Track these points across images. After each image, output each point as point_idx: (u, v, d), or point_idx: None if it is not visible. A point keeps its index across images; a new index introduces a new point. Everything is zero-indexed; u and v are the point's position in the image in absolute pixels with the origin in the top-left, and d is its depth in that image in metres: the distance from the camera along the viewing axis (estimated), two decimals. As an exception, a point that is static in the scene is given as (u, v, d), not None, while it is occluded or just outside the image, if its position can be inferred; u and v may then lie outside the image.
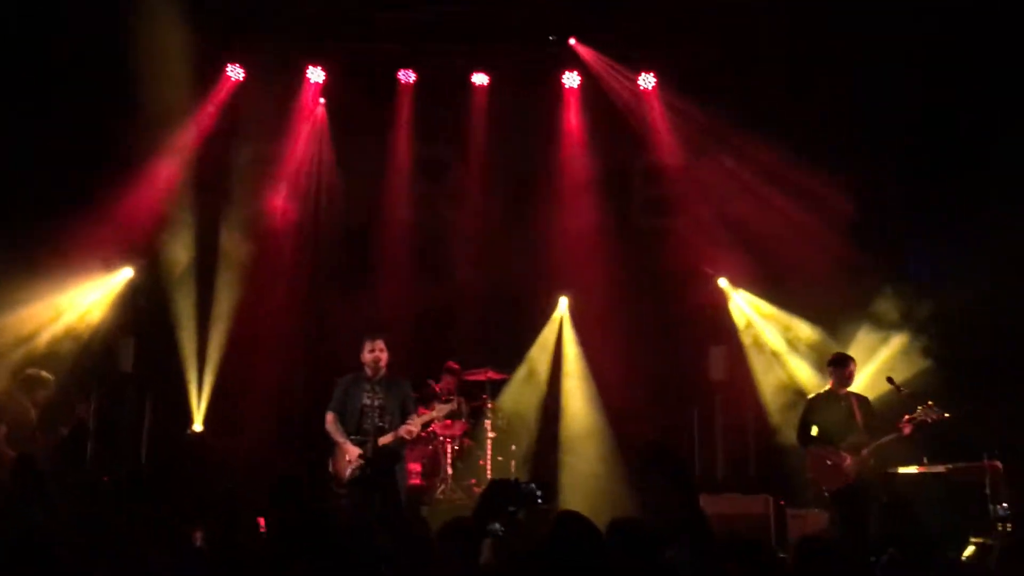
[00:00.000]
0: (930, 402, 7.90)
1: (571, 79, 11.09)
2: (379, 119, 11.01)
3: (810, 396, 8.61)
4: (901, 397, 8.06)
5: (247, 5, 10.07)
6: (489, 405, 9.98)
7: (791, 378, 10.31)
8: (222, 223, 10.56)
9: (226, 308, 10.42)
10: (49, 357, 9.20)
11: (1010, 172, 9.23)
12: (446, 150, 11.30)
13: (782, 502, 9.04)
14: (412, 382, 8.10)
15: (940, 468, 8.23)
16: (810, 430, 8.25)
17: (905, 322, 9.70)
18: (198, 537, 4.57)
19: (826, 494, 8.05)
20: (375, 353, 7.65)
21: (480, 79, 11.10)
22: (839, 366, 8.28)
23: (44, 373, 8.24)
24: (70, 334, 9.66)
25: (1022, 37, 9.07)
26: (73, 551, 3.86)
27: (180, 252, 10.30)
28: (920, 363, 9.40)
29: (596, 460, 10.29)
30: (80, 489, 7.73)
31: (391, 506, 7.09)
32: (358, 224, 11.18)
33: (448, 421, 9.66)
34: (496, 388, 10.16)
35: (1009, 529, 7.60)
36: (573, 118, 11.15)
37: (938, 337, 9.51)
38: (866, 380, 9.07)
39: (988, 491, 7.72)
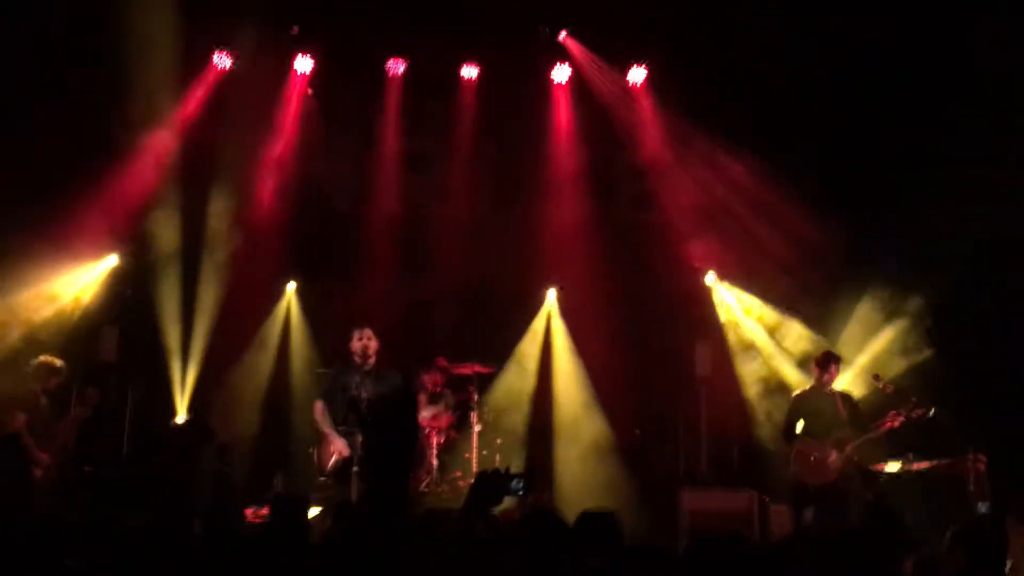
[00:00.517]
0: (914, 398, 7.98)
1: (560, 73, 11.08)
2: (367, 110, 10.97)
3: (795, 392, 8.67)
4: (886, 393, 8.13)
5: (235, -8, 10.01)
6: (475, 398, 9.95)
7: (775, 374, 10.37)
8: (208, 212, 10.47)
9: (211, 297, 10.36)
10: (32, 345, 9.09)
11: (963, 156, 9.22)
12: (433, 142, 11.27)
13: (766, 498, 9.07)
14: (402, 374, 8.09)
15: (924, 464, 8.28)
16: (795, 426, 8.30)
17: (892, 316, 9.76)
18: (196, 525, 4.52)
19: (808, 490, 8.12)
20: (363, 342, 7.65)
21: (469, 72, 11.07)
22: (824, 364, 8.35)
23: (57, 360, 8.14)
24: (53, 322, 9.55)
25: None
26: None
27: (165, 240, 10.22)
28: (909, 357, 9.47)
29: (589, 450, 10.29)
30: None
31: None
32: (344, 215, 11.14)
33: (434, 413, 9.67)
34: (483, 381, 10.14)
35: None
36: (562, 112, 11.15)
37: (926, 331, 9.57)
38: (853, 376, 9.14)
39: (971, 488, 7.79)
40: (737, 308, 10.82)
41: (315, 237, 10.95)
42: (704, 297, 10.82)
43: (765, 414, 10.08)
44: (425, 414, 8.07)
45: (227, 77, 10.59)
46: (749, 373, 10.53)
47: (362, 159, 11.06)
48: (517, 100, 11.03)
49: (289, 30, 10.59)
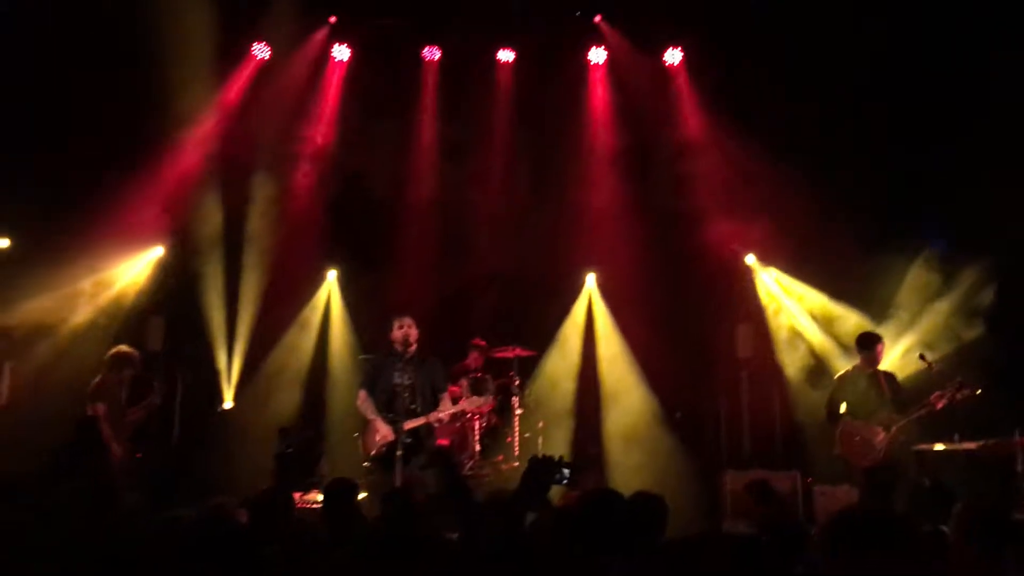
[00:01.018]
0: (960, 379, 7.88)
1: (597, 55, 11.04)
2: (404, 97, 11.00)
3: (838, 374, 8.60)
4: (933, 373, 8.04)
5: (272, -17, 10.08)
6: (516, 382, 10.00)
7: (816, 355, 10.31)
8: (249, 202, 10.58)
9: (253, 286, 10.50)
10: (83, 338, 9.30)
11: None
12: (470, 128, 11.26)
13: (809, 479, 9.04)
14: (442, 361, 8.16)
15: (971, 445, 8.20)
16: (839, 407, 8.24)
17: (941, 294, 9.66)
18: (242, 515, 4.61)
19: (855, 471, 8.08)
20: (404, 330, 7.68)
21: (505, 56, 11.06)
22: (868, 345, 8.25)
23: (133, 350, 8.32)
24: (102, 314, 9.74)
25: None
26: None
27: (208, 231, 10.35)
28: (958, 337, 9.37)
29: (633, 432, 10.31)
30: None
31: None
32: (383, 203, 11.20)
33: (475, 398, 9.72)
34: (523, 365, 10.18)
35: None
36: (598, 95, 11.11)
37: (976, 309, 9.46)
38: (898, 356, 9.06)
39: (1020, 468, 7.70)
40: (777, 289, 10.76)
41: (354, 225, 11.02)
42: (744, 279, 10.76)
43: (807, 395, 10.02)
44: (465, 405, 8.11)
45: (266, 67, 10.67)
46: (790, 354, 10.47)
47: (400, 146, 11.09)
48: (553, 83, 11.00)
49: (326, 20, 10.64)
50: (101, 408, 7.77)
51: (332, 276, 11.13)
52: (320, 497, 8.21)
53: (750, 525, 7.90)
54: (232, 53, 10.47)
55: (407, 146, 11.09)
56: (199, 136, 10.27)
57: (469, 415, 9.64)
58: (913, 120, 9.64)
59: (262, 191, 10.62)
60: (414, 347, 7.72)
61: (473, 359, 9.96)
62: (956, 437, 8.33)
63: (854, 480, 8.21)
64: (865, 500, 7.96)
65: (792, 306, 10.64)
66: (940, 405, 7.79)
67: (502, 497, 4.30)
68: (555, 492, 4.10)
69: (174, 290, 10.35)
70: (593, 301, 11.18)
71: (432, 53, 11.02)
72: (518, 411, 9.94)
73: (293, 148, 10.78)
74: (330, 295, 11.13)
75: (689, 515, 7.60)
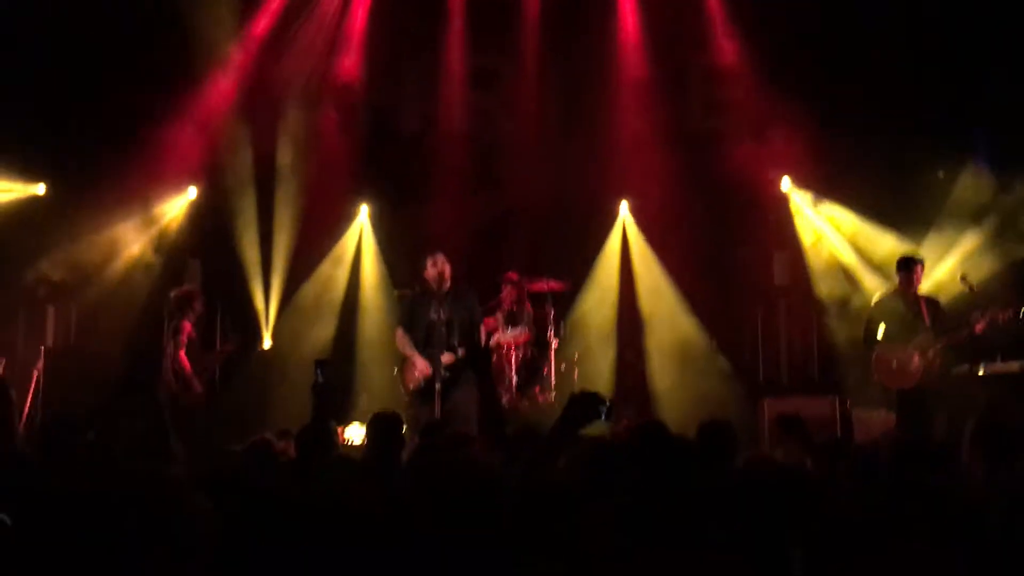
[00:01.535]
0: (1002, 301, 7.77)
1: (626, -22, 10.78)
2: (431, 29, 10.84)
3: (875, 297, 8.52)
4: (975, 296, 7.93)
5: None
6: (552, 314, 10.02)
7: (855, 280, 10.20)
8: (278, 140, 10.57)
9: (286, 226, 10.54)
10: (124, 283, 9.45)
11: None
12: (500, 58, 11.08)
13: (848, 403, 9.02)
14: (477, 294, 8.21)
15: (1014, 366, 8.11)
16: (876, 331, 8.16)
17: (985, 212, 9.48)
18: (289, 448, 4.71)
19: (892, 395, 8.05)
20: (438, 267, 7.75)
21: (533, -18, 10.84)
22: (907, 267, 8.13)
23: (190, 286, 8.56)
24: (141, 259, 9.87)
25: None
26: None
27: (240, 170, 10.38)
28: (1001, 257, 9.21)
29: (682, 361, 10.32)
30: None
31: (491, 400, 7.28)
32: (413, 137, 11.14)
33: (511, 329, 9.80)
34: (557, 297, 10.19)
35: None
36: (628, 19, 10.86)
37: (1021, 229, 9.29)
38: (940, 278, 8.94)
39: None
40: (813, 214, 10.61)
41: (385, 159, 10.98)
42: (781, 205, 10.61)
43: (844, 320, 9.94)
44: (504, 336, 8.21)
45: (290, 4, 10.56)
46: (827, 280, 10.37)
47: (428, 79, 10.97)
48: (583, 8, 10.78)
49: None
50: (182, 346, 7.95)
51: (364, 212, 11.12)
52: (360, 431, 8.37)
53: (789, 453, 7.95)
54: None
55: (435, 79, 10.95)
56: (228, 74, 10.22)
57: (505, 348, 9.72)
58: (957, 35, 9.35)
59: (292, 128, 10.57)
60: (448, 283, 7.78)
61: (507, 293, 9.96)
62: (999, 358, 8.23)
63: (892, 404, 8.19)
64: (902, 424, 7.96)
65: (829, 231, 10.50)
66: (980, 327, 7.69)
67: (532, 432, 4.35)
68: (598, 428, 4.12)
69: (209, 231, 10.43)
70: (628, 230, 11.09)
71: (459, -16, 10.82)
72: (554, 343, 9.97)
73: (322, 83, 10.68)
74: (362, 231, 11.13)
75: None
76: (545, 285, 10.09)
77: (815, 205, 10.56)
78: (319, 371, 6.66)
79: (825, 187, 10.39)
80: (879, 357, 8.09)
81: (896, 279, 8.25)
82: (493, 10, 10.83)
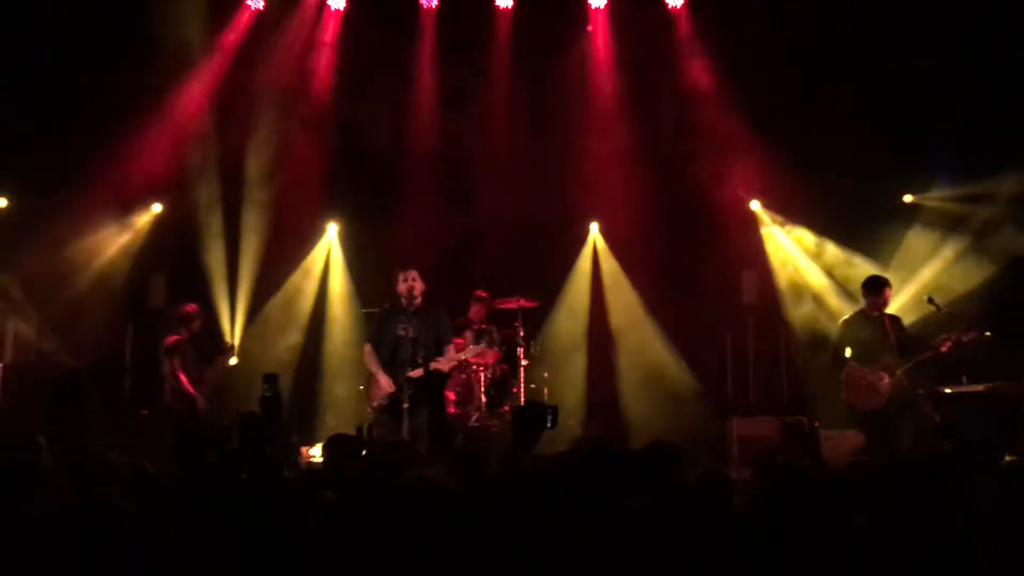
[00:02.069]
0: (967, 322, 7.83)
1: (597, -1, 10.85)
2: (401, 46, 10.82)
3: (843, 318, 8.56)
4: (941, 316, 7.99)
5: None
6: (521, 333, 9.98)
7: (822, 301, 10.26)
8: (246, 155, 10.48)
9: (254, 242, 10.43)
10: (88, 299, 9.32)
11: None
12: (470, 76, 11.08)
13: (816, 423, 9.03)
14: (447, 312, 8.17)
15: (979, 387, 8.17)
16: (844, 351, 8.20)
17: (948, 236, 9.61)
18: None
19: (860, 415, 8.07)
20: (408, 283, 7.75)
21: (504, 2, 10.86)
22: (875, 288, 8.18)
23: (192, 304, 8.69)
24: (103, 274, 9.73)
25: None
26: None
27: (207, 186, 10.27)
28: (967, 278, 9.31)
29: (651, 380, 10.32)
30: None
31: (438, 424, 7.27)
32: (382, 153, 11.09)
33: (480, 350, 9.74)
34: (528, 316, 10.15)
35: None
36: (600, 40, 10.92)
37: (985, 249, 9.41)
38: (907, 299, 9.02)
39: (1028, 409, 7.69)
40: (781, 235, 10.68)
41: (354, 176, 10.91)
42: (750, 225, 10.67)
43: (813, 341, 9.99)
44: (465, 354, 8.20)
45: (260, 18, 10.51)
46: (794, 299, 10.43)
47: (398, 96, 10.95)
48: (554, 28, 10.82)
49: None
50: (178, 363, 8.20)
51: (332, 229, 11.03)
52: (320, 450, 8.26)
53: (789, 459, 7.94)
54: (225, 4, 10.30)
55: (406, 96, 10.93)
56: (197, 87, 10.14)
57: (475, 367, 9.66)
58: (920, 56, 9.48)
59: (261, 143, 10.48)
60: (419, 300, 7.76)
61: (476, 311, 9.91)
62: (964, 379, 8.30)
63: (860, 425, 8.21)
64: (870, 445, 7.98)
65: (797, 251, 10.57)
66: (945, 348, 7.77)
67: (479, 446, 4.33)
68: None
69: (175, 246, 10.30)
70: (598, 249, 11.10)
71: (429, 1, 10.82)
72: (524, 362, 9.93)
73: (292, 99, 10.62)
74: (330, 248, 11.04)
75: (698, 462, 7.60)
76: (515, 303, 10.05)
77: (783, 226, 10.63)
78: (267, 385, 6.57)
79: (792, 208, 10.47)
80: (847, 377, 8.12)
81: (863, 300, 8.29)
82: (464, 29, 10.85)
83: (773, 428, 9.02)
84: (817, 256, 10.46)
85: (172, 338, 8.37)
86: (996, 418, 7.91)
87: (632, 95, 10.75)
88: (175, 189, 10.21)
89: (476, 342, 9.67)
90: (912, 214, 10.07)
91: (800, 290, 10.45)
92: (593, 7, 10.88)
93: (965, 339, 7.72)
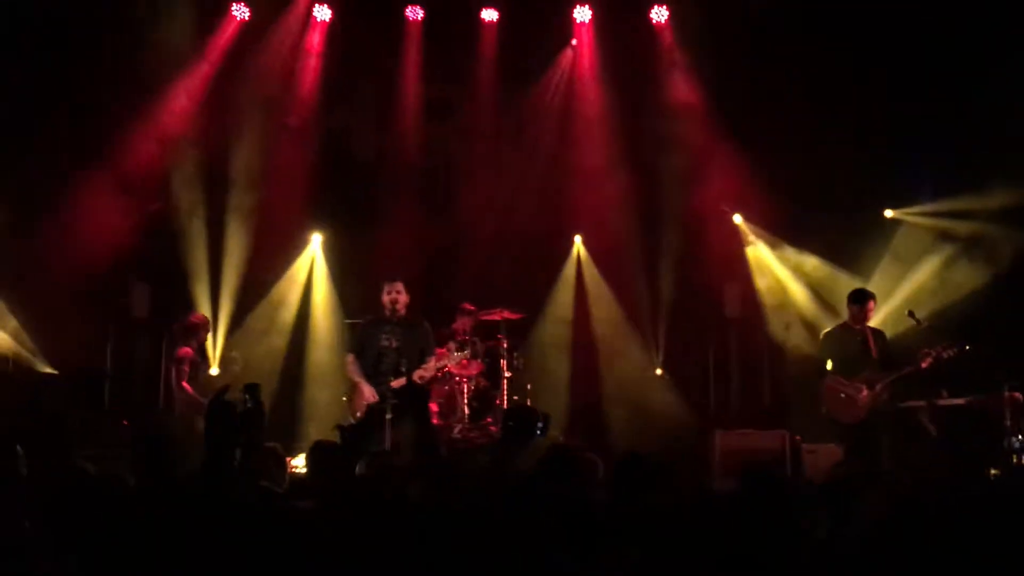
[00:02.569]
0: (947, 340, 7.87)
1: (582, 13, 10.91)
2: (386, 58, 10.85)
3: (825, 330, 8.59)
4: (922, 330, 8.04)
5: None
6: (504, 345, 9.98)
7: (805, 314, 10.32)
8: (231, 165, 10.44)
9: (238, 251, 10.38)
10: (69, 304, 9.23)
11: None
12: (455, 88, 11.14)
13: (798, 437, 9.06)
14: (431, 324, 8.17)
15: (959, 401, 8.23)
16: (826, 363, 8.23)
17: (930, 251, 9.70)
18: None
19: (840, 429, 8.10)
20: (392, 295, 7.81)
21: (489, 15, 10.92)
22: (859, 301, 8.18)
23: (199, 315, 8.81)
24: (85, 281, 9.63)
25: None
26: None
27: (190, 196, 10.23)
28: (948, 292, 9.39)
29: (635, 393, 10.32)
30: None
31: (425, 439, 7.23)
32: (367, 164, 11.10)
33: (464, 361, 9.73)
34: (511, 328, 10.15)
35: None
36: (584, 54, 10.99)
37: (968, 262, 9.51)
38: (888, 313, 9.08)
39: (1008, 423, 7.73)
40: (764, 248, 10.74)
41: (339, 188, 10.91)
42: (732, 239, 10.73)
43: (794, 354, 10.03)
44: (447, 361, 8.21)
45: (246, 28, 10.50)
46: (777, 313, 10.47)
47: (383, 108, 10.96)
48: (539, 42, 10.87)
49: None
50: (185, 374, 8.20)
51: (316, 240, 11.00)
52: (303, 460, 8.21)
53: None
54: (211, 14, 10.29)
55: (391, 108, 10.95)
56: (181, 95, 10.12)
57: (457, 379, 9.65)
58: (903, 71, 9.59)
59: (246, 152, 10.46)
60: (402, 311, 7.79)
61: (461, 323, 9.91)
62: (944, 393, 8.35)
63: (839, 438, 8.23)
64: (849, 457, 8.00)
65: (779, 265, 10.63)
66: (926, 364, 7.80)
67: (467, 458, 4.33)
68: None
69: (157, 256, 10.24)
70: (583, 263, 11.13)
71: (415, 13, 10.85)
72: (507, 374, 9.93)
73: (277, 108, 10.60)
74: (314, 259, 11.00)
75: (677, 474, 7.60)
76: (499, 315, 10.06)
77: (765, 240, 10.69)
78: (249, 395, 6.52)
79: (775, 223, 10.53)
80: (828, 390, 8.14)
81: (847, 312, 8.32)
82: (449, 41, 10.89)
83: (755, 440, 9.08)
84: (799, 270, 10.51)
85: (182, 350, 8.40)
86: (978, 431, 7.96)
87: (616, 108, 10.80)
88: (159, 197, 10.15)
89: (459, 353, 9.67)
90: (894, 229, 10.15)
91: (782, 304, 10.49)
92: (578, 21, 10.96)
93: (945, 355, 7.76)
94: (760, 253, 10.74)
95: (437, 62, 10.92)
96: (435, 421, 9.48)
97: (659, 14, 10.77)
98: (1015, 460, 7.70)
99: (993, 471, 7.50)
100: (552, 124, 10.99)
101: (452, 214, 10.89)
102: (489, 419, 9.73)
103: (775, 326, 10.18)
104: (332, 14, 10.74)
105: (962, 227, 9.75)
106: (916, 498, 3.87)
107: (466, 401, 9.61)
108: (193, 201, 10.25)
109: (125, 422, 8.72)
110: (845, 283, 9.62)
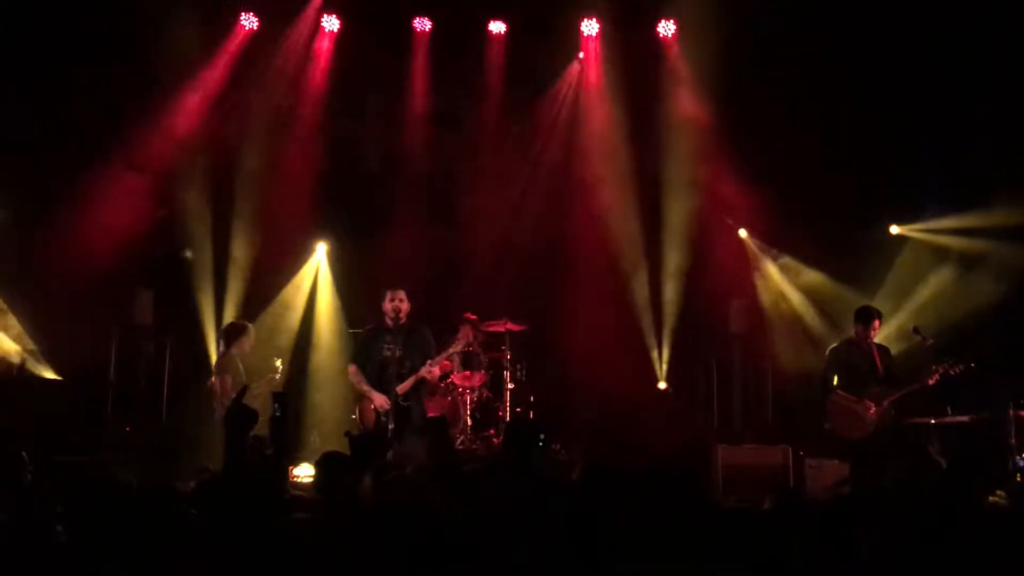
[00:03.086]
0: (953, 358, 7.85)
1: (589, 27, 10.94)
2: (394, 69, 10.87)
3: (831, 346, 8.58)
4: (927, 347, 8.03)
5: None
6: (508, 356, 9.97)
7: (809, 329, 10.30)
8: (237, 173, 10.46)
9: (243, 259, 10.38)
10: (73, 309, 9.23)
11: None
12: (461, 99, 11.15)
13: (801, 452, 9.04)
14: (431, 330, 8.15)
15: (963, 419, 8.21)
16: (831, 380, 8.22)
17: (937, 265, 9.71)
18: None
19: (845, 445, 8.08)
20: (395, 303, 7.83)
21: (497, 27, 10.94)
22: (865, 318, 8.17)
23: (243, 321, 8.65)
24: (89, 286, 9.62)
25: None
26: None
27: (197, 203, 10.23)
28: (954, 308, 9.39)
29: (637, 405, 10.26)
30: None
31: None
32: (373, 174, 11.10)
33: (467, 372, 9.74)
34: (515, 339, 10.13)
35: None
36: (591, 67, 11.01)
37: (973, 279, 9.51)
38: (894, 330, 9.07)
39: (1013, 440, 7.71)
40: (770, 264, 10.73)
41: (345, 197, 10.91)
42: (738, 254, 10.72)
43: (800, 369, 10.00)
44: (451, 349, 8.26)
45: (254, 38, 10.53)
46: (782, 329, 10.46)
47: (390, 118, 10.98)
48: (546, 54, 10.90)
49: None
50: (228, 380, 7.98)
51: (321, 249, 10.99)
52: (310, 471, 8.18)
53: (741, 500, 7.94)
54: (220, 24, 10.33)
55: (398, 118, 10.96)
56: (188, 104, 10.14)
57: (460, 389, 9.65)
58: (909, 90, 9.61)
59: (251, 163, 10.47)
60: (405, 320, 7.79)
61: (464, 333, 9.89)
62: (949, 410, 8.33)
63: (845, 455, 8.21)
64: (856, 474, 7.98)
65: (785, 281, 10.62)
66: (933, 381, 7.79)
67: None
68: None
69: (162, 263, 10.24)
70: (586, 275, 11.08)
71: (423, 24, 10.89)
72: (510, 386, 9.92)
73: (284, 117, 10.62)
74: (319, 269, 11.00)
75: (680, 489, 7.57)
76: (503, 326, 10.05)
77: (771, 255, 10.69)
78: (277, 405, 6.49)
79: (781, 238, 10.53)
80: (833, 405, 8.12)
81: (853, 329, 8.30)
82: (457, 52, 10.91)
83: (758, 455, 9.07)
84: (804, 286, 10.50)
85: (224, 355, 8.34)
86: (981, 449, 7.94)
87: (622, 122, 10.81)
88: (164, 204, 10.16)
89: (463, 364, 9.70)
90: (899, 245, 10.15)
91: (787, 319, 10.47)
92: (585, 34, 10.99)
93: (952, 372, 7.75)
94: (766, 269, 10.73)
95: (444, 73, 10.94)
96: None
97: (666, 28, 10.80)
98: (1019, 479, 7.68)
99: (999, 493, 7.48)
100: (558, 136, 11.01)
101: (457, 224, 10.88)
102: (492, 431, 9.73)
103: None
104: (340, 24, 10.77)
105: (968, 244, 9.76)
106: (918, 518, 3.86)
107: (469, 412, 9.61)
108: (199, 209, 10.25)
109: (127, 428, 8.71)
110: (850, 299, 9.61)
